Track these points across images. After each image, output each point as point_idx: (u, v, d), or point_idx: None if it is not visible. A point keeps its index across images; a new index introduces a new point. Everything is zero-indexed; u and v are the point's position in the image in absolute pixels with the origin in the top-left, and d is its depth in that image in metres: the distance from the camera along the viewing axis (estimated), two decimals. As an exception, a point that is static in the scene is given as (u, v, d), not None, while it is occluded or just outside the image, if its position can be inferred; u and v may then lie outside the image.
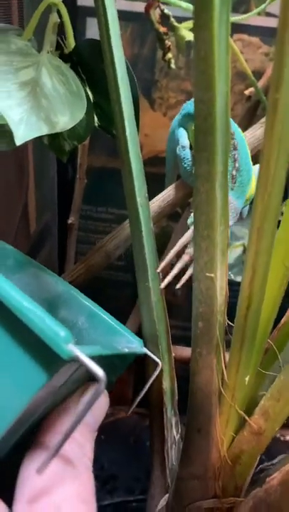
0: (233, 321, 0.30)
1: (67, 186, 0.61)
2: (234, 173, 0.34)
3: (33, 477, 0.22)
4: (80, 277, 0.39)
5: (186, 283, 0.34)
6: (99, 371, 0.21)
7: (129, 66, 0.32)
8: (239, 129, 0.35)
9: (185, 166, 0.35)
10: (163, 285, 0.34)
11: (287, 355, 0.29)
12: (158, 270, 0.34)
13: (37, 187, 0.61)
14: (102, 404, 0.28)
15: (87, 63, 0.34)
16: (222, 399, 0.31)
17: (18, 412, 0.22)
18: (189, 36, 0.49)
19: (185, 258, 0.34)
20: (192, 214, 0.34)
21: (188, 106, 0.36)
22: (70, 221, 0.47)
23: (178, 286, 0.34)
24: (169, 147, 0.39)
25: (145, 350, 0.33)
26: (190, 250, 0.34)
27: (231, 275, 0.48)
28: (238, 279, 0.48)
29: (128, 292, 0.66)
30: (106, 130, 0.39)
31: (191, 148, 0.35)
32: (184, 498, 0.35)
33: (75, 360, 0.21)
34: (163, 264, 0.34)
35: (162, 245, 0.46)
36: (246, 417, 0.29)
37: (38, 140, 0.35)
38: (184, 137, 0.35)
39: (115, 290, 0.66)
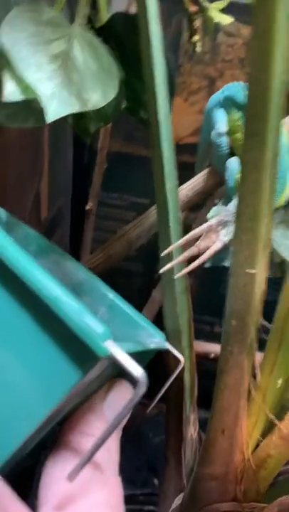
0: (266, 319, 0.28)
1: (83, 171, 0.59)
2: None
3: (60, 482, 0.21)
4: (99, 266, 0.38)
5: (197, 275, 0.32)
6: (139, 372, 0.19)
7: (166, 44, 0.30)
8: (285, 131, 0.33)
9: (219, 153, 0.33)
10: (162, 270, 0.32)
11: None
12: (162, 254, 0.32)
13: (51, 170, 0.59)
14: (123, 398, 0.26)
15: (120, 39, 0.32)
16: (251, 400, 0.29)
17: (48, 411, 0.21)
18: (219, 18, 0.47)
19: (193, 250, 0.32)
20: (214, 207, 0.32)
21: (232, 88, 0.34)
22: (88, 207, 0.45)
23: (177, 275, 0.32)
24: (204, 127, 0.37)
25: (168, 346, 0.32)
26: (202, 243, 0.31)
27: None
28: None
29: (138, 282, 0.64)
30: (132, 112, 0.37)
31: (228, 135, 0.33)
32: (201, 499, 0.34)
33: (111, 358, 0.20)
34: (170, 249, 0.32)
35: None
36: (276, 421, 0.28)
37: (57, 119, 0.33)
38: (222, 122, 0.33)
39: (124, 280, 0.64)
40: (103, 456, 0.22)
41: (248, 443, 0.30)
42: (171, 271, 0.33)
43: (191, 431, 0.37)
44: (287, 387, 0.28)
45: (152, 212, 0.38)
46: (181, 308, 0.33)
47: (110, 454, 0.23)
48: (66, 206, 0.60)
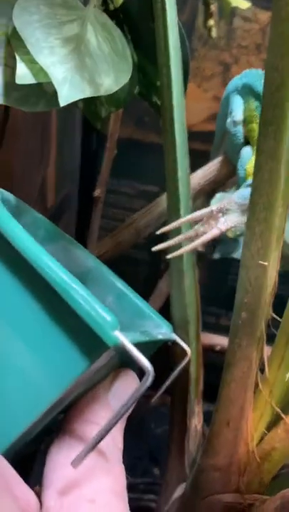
0: (275, 312, 0.28)
1: (91, 157, 0.58)
2: None
3: (64, 467, 0.21)
4: (106, 254, 0.37)
5: (206, 266, 0.31)
6: (146, 363, 0.19)
7: (182, 28, 0.30)
8: None
9: (233, 142, 0.33)
10: (155, 248, 0.31)
11: None
12: (158, 232, 0.31)
13: (58, 156, 0.59)
14: (129, 387, 0.26)
15: (134, 21, 0.32)
16: (257, 393, 0.29)
17: (53, 398, 0.20)
18: (236, 2, 0.46)
19: (190, 233, 0.31)
20: (217, 194, 0.32)
21: (251, 76, 0.33)
22: (96, 194, 0.44)
23: (168, 256, 0.31)
24: (221, 114, 0.36)
25: (175, 337, 0.31)
26: (201, 228, 0.30)
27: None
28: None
29: (145, 271, 0.64)
30: (145, 97, 0.36)
31: (244, 124, 0.32)
32: (203, 490, 0.34)
33: (120, 348, 0.19)
34: (165, 228, 0.31)
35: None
36: (282, 415, 0.28)
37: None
38: (238, 110, 0.32)
39: (131, 268, 0.64)
40: (108, 444, 0.22)
41: (253, 435, 0.30)
42: (179, 261, 0.33)
43: (196, 422, 0.36)
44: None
45: (162, 200, 0.37)
46: (189, 300, 0.33)
47: (115, 442, 0.23)
48: (73, 193, 0.60)
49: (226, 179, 0.35)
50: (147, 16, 0.30)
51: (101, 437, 0.20)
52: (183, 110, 0.30)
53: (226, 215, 0.28)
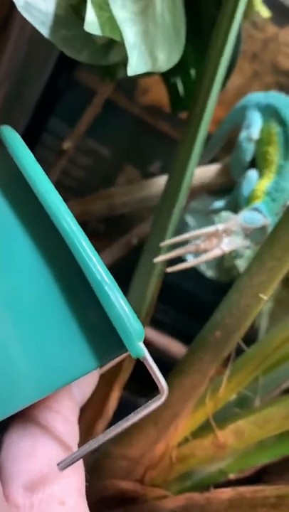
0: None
1: (52, 96, 0.53)
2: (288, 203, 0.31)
3: (28, 459, 0.20)
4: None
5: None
6: (163, 382, 0.18)
7: (241, 28, 0.28)
8: None
9: (241, 157, 0.32)
10: (156, 260, 0.31)
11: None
12: (162, 244, 0.31)
13: (15, 83, 0.53)
14: (92, 380, 0.25)
15: (197, 3, 0.29)
16: (199, 405, 0.30)
17: (48, 391, 0.19)
18: (259, 8, 0.45)
19: (191, 248, 0.31)
20: (223, 213, 0.32)
21: (280, 100, 0.32)
22: (64, 147, 0.41)
23: (169, 269, 0.31)
24: (229, 120, 0.35)
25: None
26: (202, 245, 0.31)
27: (201, 268, 0.47)
28: (209, 273, 0.47)
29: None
30: (164, 75, 0.34)
31: (257, 143, 0.32)
32: (101, 472, 0.35)
33: (143, 361, 0.18)
34: (169, 242, 0.31)
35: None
36: (216, 429, 0.29)
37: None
38: (256, 128, 0.32)
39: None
40: (72, 437, 0.22)
41: (178, 438, 0.31)
42: (152, 252, 0.32)
43: (111, 408, 0.37)
44: (238, 403, 0.29)
45: (146, 184, 0.36)
46: (149, 294, 0.33)
47: (77, 436, 0.22)
48: (20, 126, 0.54)
49: (218, 187, 0.35)
50: (214, 2, 0.27)
51: (98, 442, 0.19)
52: (214, 108, 0.29)
53: (230, 236, 0.28)
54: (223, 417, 0.30)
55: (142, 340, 0.19)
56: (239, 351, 0.29)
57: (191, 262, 0.29)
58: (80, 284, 0.18)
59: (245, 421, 0.28)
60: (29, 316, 0.18)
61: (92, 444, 0.19)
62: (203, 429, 0.31)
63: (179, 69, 0.33)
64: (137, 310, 0.33)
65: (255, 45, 0.53)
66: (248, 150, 0.32)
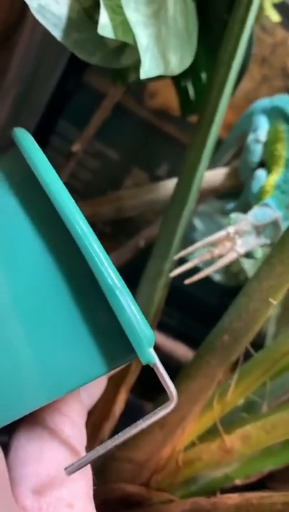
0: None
1: (61, 98, 0.53)
2: None
3: (37, 462, 0.20)
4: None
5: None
6: (173, 389, 0.18)
7: (253, 32, 0.28)
8: None
9: (249, 159, 0.32)
10: (173, 274, 0.31)
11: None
12: (176, 257, 0.31)
13: (26, 86, 0.53)
14: (100, 384, 0.25)
15: (209, 5, 0.29)
16: (206, 409, 0.30)
17: (55, 396, 0.19)
18: (269, 12, 0.45)
19: (206, 256, 0.31)
20: (232, 215, 0.31)
21: (282, 100, 0.32)
22: (73, 149, 0.41)
23: (187, 281, 0.31)
24: (239, 126, 0.35)
25: None
26: (216, 251, 0.31)
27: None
28: (216, 277, 0.47)
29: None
30: (175, 78, 0.34)
31: (264, 144, 0.32)
32: (108, 476, 0.35)
33: (150, 365, 0.18)
34: (184, 252, 0.31)
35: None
36: (223, 434, 0.29)
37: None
38: (263, 130, 0.32)
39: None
40: (79, 440, 0.22)
41: (184, 442, 0.31)
42: (161, 256, 0.32)
43: (118, 410, 0.37)
44: (245, 408, 0.29)
45: (154, 187, 0.36)
46: (156, 298, 0.33)
47: (84, 440, 0.22)
48: (28, 127, 0.54)
49: (227, 191, 0.35)
50: (225, 5, 0.28)
51: (105, 448, 0.19)
52: (224, 113, 0.29)
53: (243, 237, 0.28)
54: (230, 421, 0.30)
55: (152, 346, 0.19)
56: (247, 356, 0.29)
57: (208, 269, 0.28)
58: (91, 288, 0.18)
59: (252, 426, 0.28)
60: (39, 319, 0.18)
61: (100, 450, 0.19)
62: (210, 434, 0.30)
63: (190, 72, 0.33)
64: (144, 313, 0.33)
65: (265, 49, 0.53)
66: (256, 151, 0.32)
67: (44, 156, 0.19)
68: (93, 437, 0.38)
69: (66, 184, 0.49)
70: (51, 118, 0.56)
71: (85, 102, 0.53)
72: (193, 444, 0.31)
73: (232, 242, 0.28)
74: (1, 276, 0.18)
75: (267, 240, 0.29)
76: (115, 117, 0.55)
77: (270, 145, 0.32)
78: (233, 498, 0.29)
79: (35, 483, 0.19)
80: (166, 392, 0.19)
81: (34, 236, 0.19)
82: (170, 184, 0.34)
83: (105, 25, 0.22)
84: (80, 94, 0.56)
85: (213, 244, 0.28)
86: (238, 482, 0.34)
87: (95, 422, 0.36)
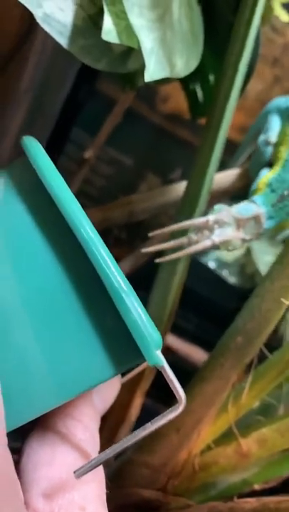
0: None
1: (73, 107, 0.54)
2: (286, 193, 0.30)
3: (48, 466, 0.20)
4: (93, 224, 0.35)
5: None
6: (181, 391, 0.18)
7: (260, 32, 0.28)
8: None
9: (259, 160, 0.32)
10: (145, 250, 0.30)
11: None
12: (150, 234, 0.30)
13: (38, 97, 0.54)
14: (113, 388, 0.25)
15: (214, 7, 0.29)
16: (221, 411, 0.30)
17: (64, 399, 0.19)
18: (278, 11, 0.45)
19: (183, 240, 0.30)
20: (216, 206, 0.31)
21: None
22: (86, 156, 0.41)
23: (158, 260, 0.31)
24: (254, 127, 0.35)
25: None
26: (193, 236, 0.30)
27: (223, 274, 0.47)
28: (231, 279, 0.47)
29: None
30: (183, 82, 0.34)
31: (275, 145, 0.32)
32: (125, 480, 0.34)
33: (161, 370, 0.18)
34: (158, 232, 0.30)
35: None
36: (239, 437, 0.29)
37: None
38: (274, 131, 0.32)
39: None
40: (91, 444, 0.22)
41: (200, 446, 0.31)
42: (174, 260, 0.32)
43: (133, 415, 0.37)
44: (261, 411, 0.29)
45: (166, 190, 0.36)
46: (170, 299, 0.33)
47: (96, 442, 0.22)
48: (42, 138, 0.55)
49: (237, 192, 0.35)
50: (230, 7, 0.28)
51: (114, 451, 0.19)
52: (232, 115, 0.29)
53: (222, 227, 0.27)
54: (246, 424, 0.29)
55: (160, 348, 0.18)
56: (263, 358, 0.28)
57: (179, 253, 0.28)
58: (99, 292, 0.18)
59: (268, 429, 0.28)
60: (48, 323, 0.18)
61: (109, 453, 0.19)
62: (226, 437, 0.30)
63: (198, 75, 0.33)
64: (158, 316, 0.33)
65: (276, 50, 0.52)
66: (266, 153, 0.32)
67: (51, 162, 0.19)
68: (109, 443, 0.38)
69: (80, 191, 0.49)
70: (65, 126, 0.57)
71: (98, 109, 0.53)
72: (209, 448, 0.31)
73: (210, 231, 0.28)
74: (10, 282, 0.19)
75: (247, 235, 0.28)
76: (128, 123, 0.55)
77: (277, 146, 0.32)
78: (251, 503, 0.28)
79: (46, 487, 0.19)
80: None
81: (43, 242, 0.19)
82: (181, 187, 0.34)
83: (109, 31, 0.22)
84: (93, 101, 0.56)
85: (195, 229, 0.28)
86: (256, 487, 0.33)
87: (111, 426, 0.36)
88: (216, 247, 0.28)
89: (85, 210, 0.21)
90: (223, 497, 0.33)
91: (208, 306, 0.50)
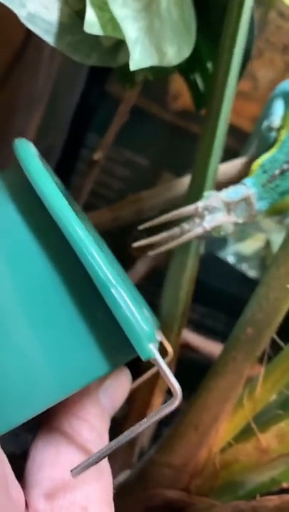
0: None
1: (85, 110, 0.54)
2: (277, 172, 0.29)
3: (51, 467, 0.20)
4: (104, 224, 0.35)
5: None
6: (177, 385, 0.18)
7: (254, 14, 0.28)
8: None
9: (263, 146, 0.31)
10: (136, 244, 0.30)
11: None
12: (140, 227, 0.30)
13: (52, 102, 0.54)
14: (121, 386, 0.25)
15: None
16: (237, 406, 0.29)
17: (60, 397, 0.19)
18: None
19: (175, 231, 0.29)
20: (205, 193, 0.30)
21: None
22: (95, 157, 0.41)
23: (151, 253, 0.30)
24: (264, 112, 0.34)
25: (160, 337, 0.30)
26: (185, 226, 0.28)
27: (243, 268, 0.45)
28: (251, 273, 0.46)
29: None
30: (183, 72, 0.33)
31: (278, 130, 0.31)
32: (149, 482, 0.34)
33: (151, 361, 0.18)
34: (148, 224, 0.30)
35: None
36: (257, 432, 0.28)
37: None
38: (277, 116, 0.31)
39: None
40: (97, 444, 0.21)
41: (220, 444, 0.30)
42: (183, 253, 0.32)
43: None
44: (278, 405, 0.28)
45: (173, 185, 0.35)
46: (183, 295, 0.32)
47: (104, 441, 0.22)
48: (57, 143, 0.56)
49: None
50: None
51: (110, 449, 0.18)
52: (232, 101, 0.29)
53: (212, 213, 0.26)
54: (265, 419, 0.28)
55: (154, 341, 0.18)
56: (277, 348, 0.27)
57: (172, 243, 0.27)
58: (90, 288, 0.18)
59: (286, 423, 0.27)
60: (40, 320, 0.19)
61: (105, 451, 0.18)
62: (245, 433, 0.29)
63: (196, 64, 0.32)
64: (171, 311, 0.32)
65: (285, 37, 0.51)
66: (270, 138, 0.31)
67: (40, 164, 0.20)
68: (132, 442, 0.38)
69: (97, 194, 0.50)
70: (78, 131, 0.57)
71: (110, 112, 0.53)
72: (229, 445, 0.30)
73: (201, 218, 0.27)
74: (5, 282, 0.19)
75: (238, 218, 0.27)
76: (140, 123, 0.55)
77: (279, 130, 0.31)
78: (273, 500, 0.27)
79: (48, 487, 0.19)
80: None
81: (33, 242, 0.19)
82: (188, 180, 0.34)
83: (92, 24, 0.22)
84: (104, 104, 0.57)
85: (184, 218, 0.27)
86: (285, 485, 0.32)
87: (132, 426, 0.36)
88: (208, 233, 0.28)
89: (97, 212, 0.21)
90: (252, 496, 0.32)
91: (238, 305, 0.49)
